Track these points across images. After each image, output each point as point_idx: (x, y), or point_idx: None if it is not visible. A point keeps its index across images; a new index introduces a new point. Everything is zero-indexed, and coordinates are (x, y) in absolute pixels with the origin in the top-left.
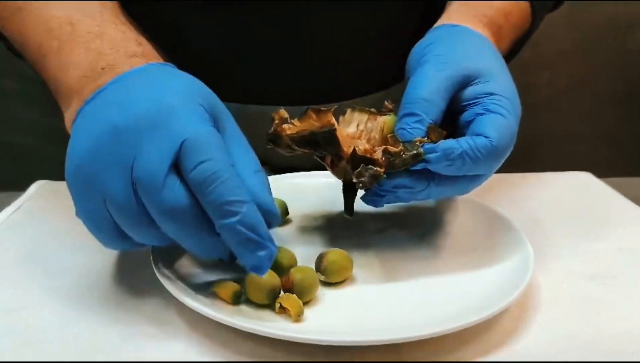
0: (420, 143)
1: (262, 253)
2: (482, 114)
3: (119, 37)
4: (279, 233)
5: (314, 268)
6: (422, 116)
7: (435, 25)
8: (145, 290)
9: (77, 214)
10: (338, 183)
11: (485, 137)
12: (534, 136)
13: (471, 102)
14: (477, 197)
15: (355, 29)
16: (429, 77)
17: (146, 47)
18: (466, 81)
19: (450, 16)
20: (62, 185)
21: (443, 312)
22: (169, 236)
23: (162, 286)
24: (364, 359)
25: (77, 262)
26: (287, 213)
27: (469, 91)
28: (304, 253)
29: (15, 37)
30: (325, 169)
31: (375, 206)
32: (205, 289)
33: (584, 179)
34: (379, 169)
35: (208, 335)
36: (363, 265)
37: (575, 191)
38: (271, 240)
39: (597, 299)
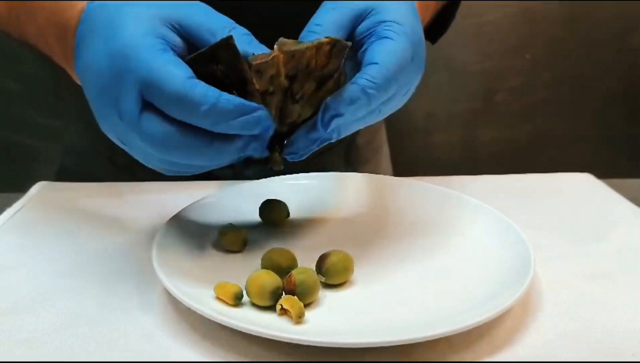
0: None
1: (257, 128)
2: (372, 42)
3: None
4: (280, 235)
5: (314, 269)
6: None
7: None
8: (146, 291)
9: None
10: (340, 185)
11: (375, 63)
12: (534, 137)
13: (365, 34)
14: (479, 198)
15: None
16: (322, 11)
17: None
18: (361, 16)
19: None
20: (62, 186)
21: (444, 313)
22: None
23: (163, 287)
24: (365, 360)
25: (78, 263)
26: (288, 215)
27: (363, 25)
28: (305, 255)
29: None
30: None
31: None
32: (206, 290)
33: (585, 180)
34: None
35: (208, 336)
36: (364, 266)
37: (576, 192)
38: (255, 107)
39: (598, 300)
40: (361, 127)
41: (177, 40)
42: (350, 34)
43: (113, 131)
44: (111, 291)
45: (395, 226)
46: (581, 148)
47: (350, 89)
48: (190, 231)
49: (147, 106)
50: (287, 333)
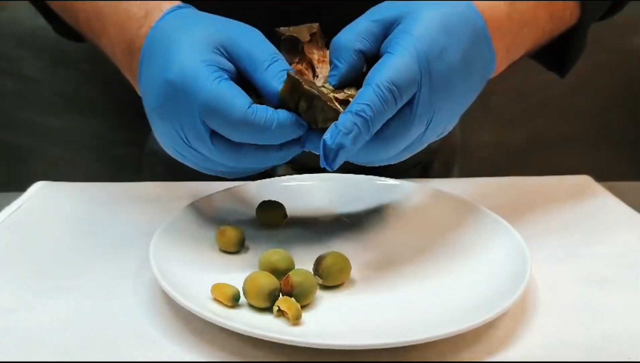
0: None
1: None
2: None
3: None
4: (277, 237)
5: (312, 271)
6: (340, 66)
7: None
8: (143, 291)
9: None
10: (337, 186)
11: (368, 85)
12: (533, 139)
13: (387, 45)
14: (476, 201)
15: None
16: (353, 24)
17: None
18: (390, 26)
19: None
20: (62, 186)
21: (441, 316)
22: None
23: (161, 287)
24: (362, 362)
25: (75, 262)
26: (286, 216)
27: (389, 37)
28: (302, 256)
29: (65, 13)
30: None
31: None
32: (203, 291)
33: (584, 182)
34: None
35: (205, 337)
36: (361, 268)
37: (574, 194)
38: (298, 125)
39: (595, 303)
40: (404, 154)
41: (229, 65)
42: (378, 43)
43: (175, 149)
44: (108, 291)
45: (393, 228)
46: (579, 150)
47: (344, 119)
48: (188, 232)
49: (212, 131)
50: (284, 335)
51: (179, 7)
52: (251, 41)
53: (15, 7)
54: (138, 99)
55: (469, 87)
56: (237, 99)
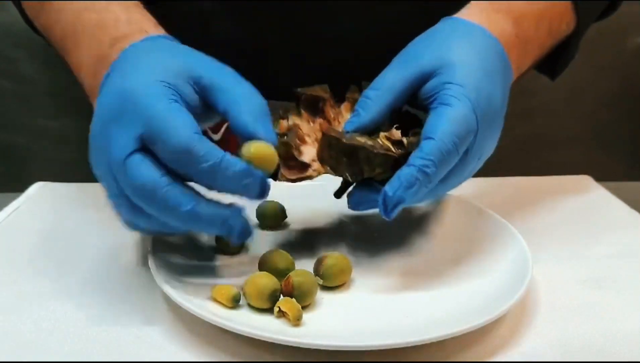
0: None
1: (259, 187)
2: (432, 109)
3: (110, 24)
4: (277, 238)
5: (312, 272)
6: (361, 113)
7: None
8: (143, 292)
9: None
10: (337, 187)
11: (430, 138)
12: (533, 139)
13: (428, 97)
14: (476, 201)
15: (379, 25)
16: (382, 78)
17: (134, 25)
18: (425, 78)
19: (463, 11)
20: (61, 187)
21: (442, 316)
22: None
23: (160, 289)
24: (364, 362)
25: (75, 264)
26: (285, 217)
27: (427, 87)
28: (303, 257)
29: (45, 32)
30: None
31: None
32: (203, 292)
33: (584, 182)
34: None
35: (205, 338)
36: (361, 268)
37: (574, 195)
38: (249, 173)
39: (595, 303)
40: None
41: (194, 97)
42: (416, 94)
43: (98, 167)
44: (107, 292)
45: (393, 229)
46: (579, 150)
47: (407, 172)
48: (188, 233)
49: (142, 150)
50: (285, 336)
51: (165, 37)
52: (231, 78)
53: (12, 7)
54: None
55: (502, 113)
56: (185, 121)
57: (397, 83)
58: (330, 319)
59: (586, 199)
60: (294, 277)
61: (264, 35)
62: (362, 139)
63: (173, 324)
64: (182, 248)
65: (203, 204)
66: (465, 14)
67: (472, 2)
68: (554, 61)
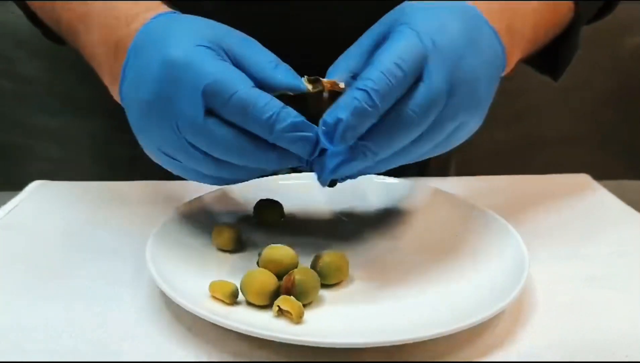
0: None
1: (309, 145)
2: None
3: (121, 5)
4: (274, 235)
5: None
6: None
7: None
8: (140, 290)
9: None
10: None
11: (370, 64)
12: (531, 138)
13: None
14: (474, 199)
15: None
16: (345, 53)
17: (147, 4)
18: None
19: None
20: (58, 185)
21: (439, 314)
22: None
23: (158, 287)
24: (361, 359)
25: (73, 262)
26: (283, 215)
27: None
28: (300, 255)
29: (49, 19)
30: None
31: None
32: (200, 290)
33: (582, 181)
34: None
35: (204, 337)
36: (359, 266)
37: (572, 193)
38: (310, 128)
39: (593, 302)
40: (406, 158)
41: (228, 60)
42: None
43: (164, 143)
44: (105, 290)
45: (391, 227)
46: (578, 149)
47: (344, 98)
48: (185, 231)
49: (208, 112)
50: (286, 334)
51: (173, 12)
52: (254, 46)
53: (12, 7)
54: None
55: (483, 67)
56: (241, 77)
57: (367, 42)
58: (328, 317)
59: (584, 198)
60: (297, 274)
61: (264, 36)
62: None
63: (170, 323)
64: (179, 246)
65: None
66: None
67: None
68: (553, 61)
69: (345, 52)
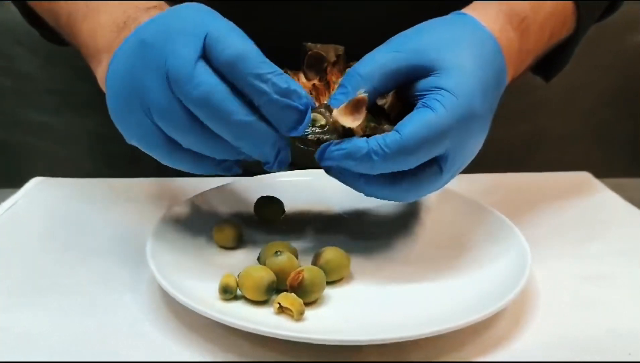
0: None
1: (297, 115)
2: (418, 107)
3: None
4: (275, 232)
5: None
6: (348, 88)
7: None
8: (139, 287)
9: (129, 139)
10: (336, 182)
11: (397, 132)
12: (532, 136)
13: (421, 94)
14: (475, 197)
15: (378, 21)
16: (375, 56)
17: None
18: (422, 72)
19: (469, 6)
20: (58, 182)
21: (440, 312)
22: (214, 138)
23: (157, 283)
24: (361, 358)
25: (72, 259)
26: (284, 212)
27: (422, 83)
28: (301, 252)
29: (48, 14)
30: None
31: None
32: (200, 286)
33: (583, 179)
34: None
35: (204, 334)
36: (360, 263)
37: (573, 191)
38: (305, 98)
39: (594, 299)
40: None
41: None
42: (406, 86)
43: (142, 85)
44: (104, 287)
45: (392, 224)
46: (579, 147)
47: (357, 144)
48: (185, 228)
49: (203, 59)
50: (288, 332)
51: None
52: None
53: (11, 5)
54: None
55: (487, 128)
56: (243, 34)
57: (390, 66)
58: (330, 314)
59: (586, 196)
60: (306, 273)
61: (263, 37)
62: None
63: (171, 320)
64: (180, 243)
65: (261, 121)
66: (480, 13)
67: (489, 1)
68: (549, 63)
69: (373, 60)
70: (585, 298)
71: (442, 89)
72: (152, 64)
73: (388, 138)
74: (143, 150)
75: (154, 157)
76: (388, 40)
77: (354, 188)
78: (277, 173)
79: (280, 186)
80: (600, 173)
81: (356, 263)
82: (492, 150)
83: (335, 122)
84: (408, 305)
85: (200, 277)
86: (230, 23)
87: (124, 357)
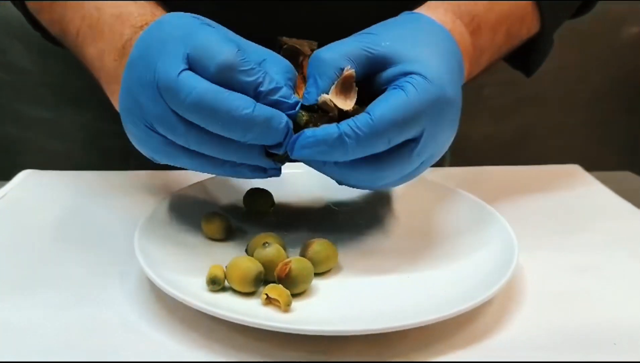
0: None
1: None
2: (389, 89)
3: (135, 13)
4: (264, 224)
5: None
6: (316, 78)
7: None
8: (128, 279)
9: (152, 156)
10: (322, 174)
11: (367, 113)
12: (523, 129)
13: (389, 81)
14: (464, 188)
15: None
16: (338, 45)
17: (154, 15)
18: (385, 63)
19: (418, 8)
20: (48, 175)
21: (428, 302)
22: (223, 140)
23: (146, 275)
24: (349, 348)
25: (59, 251)
26: (273, 204)
27: (388, 72)
28: (289, 244)
29: (54, 26)
30: None
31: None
32: (189, 278)
33: (573, 171)
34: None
35: (193, 326)
36: (347, 255)
37: (563, 183)
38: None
39: (582, 290)
40: (396, 183)
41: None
42: (369, 79)
43: (139, 99)
44: (94, 280)
45: (381, 216)
46: (570, 140)
47: (329, 129)
48: (174, 220)
49: (190, 70)
50: (273, 322)
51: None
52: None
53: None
54: None
55: (457, 119)
56: (228, 41)
57: (354, 53)
58: (317, 305)
59: (575, 188)
60: (293, 264)
61: (238, 31)
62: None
63: (159, 311)
64: (169, 235)
65: (259, 106)
66: (430, 12)
67: (432, 1)
68: (525, 59)
69: (338, 47)
70: (572, 289)
71: (412, 73)
72: (143, 81)
73: (359, 120)
74: (169, 163)
75: (181, 166)
76: (350, 36)
77: (326, 174)
78: None
79: (270, 179)
80: (591, 165)
81: (344, 255)
82: (483, 144)
83: (327, 109)
84: (395, 296)
85: (188, 269)
86: (214, 28)
87: (113, 350)
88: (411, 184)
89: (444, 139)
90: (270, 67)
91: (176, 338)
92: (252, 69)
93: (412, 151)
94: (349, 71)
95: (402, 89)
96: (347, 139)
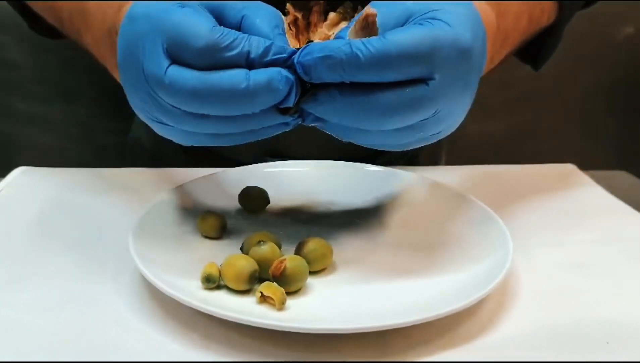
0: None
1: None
2: (407, 24)
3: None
4: (259, 222)
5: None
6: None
7: None
8: (122, 277)
9: (179, 141)
10: (321, 173)
11: (383, 37)
12: (519, 129)
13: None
14: (460, 188)
15: None
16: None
17: None
18: (413, 16)
19: None
20: (42, 171)
21: (423, 300)
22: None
23: (140, 273)
24: (344, 346)
25: (53, 248)
26: (268, 202)
27: (411, 20)
28: (284, 242)
29: (48, 13)
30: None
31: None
32: (184, 276)
33: (568, 171)
34: None
35: (186, 323)
36: (343, 253)
37: (558, 182)
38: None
39: (576, 288)
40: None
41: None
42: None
43: (140, 99)
44: (88, 277)
45: (376, 215)
46: (565, 140)
47: (336, 43)
48: (169, 218)
49: (174, 62)
50: (268, 320)
51: None
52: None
53: None
54: (121, 87)
55: (474, 87)
56: (202, 20)
57: (395, 13)
58: (312, 303)
59: (570, 187)
60: (288, 262)
61: None
62: None
63: (153, 309)
64: (164, 233)
65: (253, 74)
66: None
67: None
68: (536, 51)
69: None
70: (567, 287)
71: (434, 18)
72: (137, 84)
73: (372, 40)
74: (200, 145)
75: (212, 145)
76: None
77: (334, 119)
78: (263, 164)
79: (265, 176)
80: (585, 165)
81: (339, 253)
82: (478, 143)
83: None
84: (390, 294)
85: (183, 267)
86: (182, 8)
87: (107, 347)
88: (405, 182)
89: (458, 95)
90: (252, 21)
91: (170, 337)
92: (233, 41)
93: (423, 95)
94: (370, 10)
95: (420, 24)
96: (359, 54)
